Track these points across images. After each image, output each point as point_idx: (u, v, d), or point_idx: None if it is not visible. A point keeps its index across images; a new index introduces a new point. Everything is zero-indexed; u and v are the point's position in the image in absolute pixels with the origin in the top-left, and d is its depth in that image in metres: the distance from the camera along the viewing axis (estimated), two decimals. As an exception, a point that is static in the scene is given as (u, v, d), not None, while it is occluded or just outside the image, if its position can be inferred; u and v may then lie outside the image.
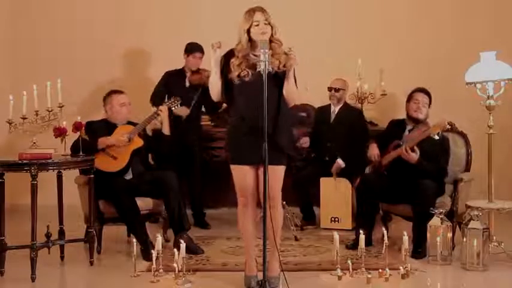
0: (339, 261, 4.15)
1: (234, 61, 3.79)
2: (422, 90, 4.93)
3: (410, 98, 4.94)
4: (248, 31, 3.75)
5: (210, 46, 3.81)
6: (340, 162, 5.57)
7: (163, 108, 5.05)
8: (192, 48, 5.70)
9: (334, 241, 4.15)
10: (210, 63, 3.89)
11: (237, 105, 3.83)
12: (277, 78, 3.75)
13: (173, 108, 5.16)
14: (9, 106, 4.35)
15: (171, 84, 5.71)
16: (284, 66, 3.74)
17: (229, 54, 3.84)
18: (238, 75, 3.76)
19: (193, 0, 6.59)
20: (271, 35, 3.75)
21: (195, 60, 5.69)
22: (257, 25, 3.73)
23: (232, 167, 3.85)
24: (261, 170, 3.73)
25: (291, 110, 3.92)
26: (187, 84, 5.71)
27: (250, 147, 3.67)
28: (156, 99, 5.65)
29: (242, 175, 3.82)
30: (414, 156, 4.65)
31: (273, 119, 3.71)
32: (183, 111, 5.56)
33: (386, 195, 4.84)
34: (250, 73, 3.74)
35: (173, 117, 5.39)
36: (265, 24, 3.73)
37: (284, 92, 3.77)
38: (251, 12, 3.76)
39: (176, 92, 5.42)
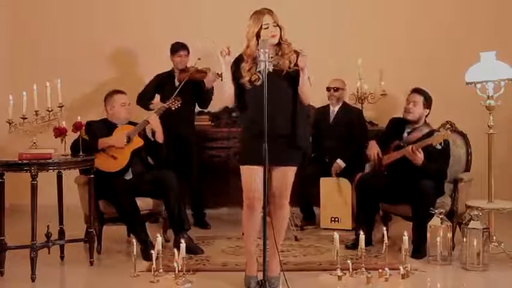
0: (339, 261, 4.15)
1: (244, 66, 3.78)
2: (415, 90, 4.89)
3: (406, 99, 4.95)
4: (257, 34, 3.74)
5: (219, 53, 3.77)
6: (340, 162, 5.58)
7: (153, 117, 5.03)
8: (176, 48, 5.72)
9: (334, 241, 4.15)
10: (222, 69, 3.87)
11: (250, 108, 3.82)
12: (290, 78, 3.76)
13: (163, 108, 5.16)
14: (9, 106, 4.35)
15: (162, 86, 5.74)
16: (295, 65, 3.74)
17: (239, 59, 3.83)
18: (250, 80, 3.76)
19: (193, 0, 6.59)
20: (280, 36, 3.75)
21: (180, 59, 5.70)
22: (266, 27, 3.72)
23: (242, 168, 3.84)
24: (273, 171, 3.76)
25: (305, 109, 3.93)
26: (176, 84, 5.71)
27: (261, 148, 3.62)
28: (143, 100, 5.72)
29: (251, 175, 3.79)
30: (421, 157, 4.63)
31: (289, 119, 3.74)
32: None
33: (386, 195, 4.84)
34: (260, 77, 3.72)
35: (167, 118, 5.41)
36: (274, 26, 3.73)
37: (299, 90, 3.77)
38: (259, 15, 3.74)
39: (168, 92, 5.45)
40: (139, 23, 6.52)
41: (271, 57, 3.74)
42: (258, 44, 3.75)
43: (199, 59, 5.57)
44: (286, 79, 3.75)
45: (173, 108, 5.19)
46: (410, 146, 4.68)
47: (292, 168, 3.85)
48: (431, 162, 4.66)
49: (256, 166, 3.75)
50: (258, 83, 3.73)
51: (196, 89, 5.67)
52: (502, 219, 4.92)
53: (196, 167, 5.80)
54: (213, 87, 5.65)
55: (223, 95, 3.91)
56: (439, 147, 4.64)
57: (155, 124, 5.03)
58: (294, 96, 3.79)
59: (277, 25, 3.74)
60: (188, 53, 5.73)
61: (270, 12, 3.75)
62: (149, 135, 5.18)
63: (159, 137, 5.04)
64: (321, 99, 5.89)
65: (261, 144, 3.57)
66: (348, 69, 6.07)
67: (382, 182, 4.85)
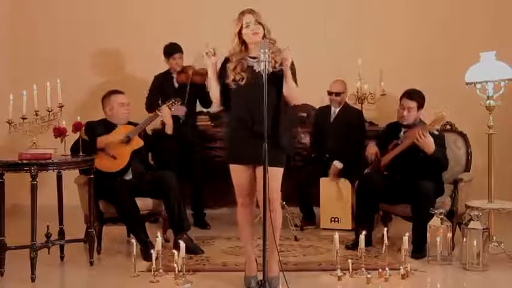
0: (338, 261, 4.16)
1: (229, 65, 3.80)
2: (408, 95, 4.87)
3: (399, 100, 4.94)
4: (239, 34, 3.76)
5: (204, 53, 3.80)
6: (337, 164, 5.57)
7: (164, 109, 5.05)
8: (170, 51, 5.69)
9: (334, 241, 4.16)
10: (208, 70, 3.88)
11: (234, 108, 3.82)
12: (275, 78, 3.75)
13: (172, 109, 5.16)
14: (9, 106, 4.35)
15: (161, 87, 5.74)
16: (280, 65, 3.74)
17: (227, 60, 3.85)
18: (234, 80, 3.77)
19: (194, 1, 6.60)
20: (264, 35, 3.75)
21: (175, 62, 5.70)
22: (247, 26, 3.73)
23: (230, 166, 3.86)
24: (258, 170, 3.74)
25: (291, 110, 3.90)
26: (176, 85, 5.73)
27: (246, 148, 3.68)
28: (152, 105, 5.63)
29: (238, 175, 3.83)
30: (431, 140, 4.57)
31: (272, 120, 3.71)
32: (180, 110, 5.53)
33: (386, 195, 4.84)
34: (244, 76, 3.73)
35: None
36: (256, 24, 3.73)
37: (284, 91, 3.76)
38: (240, 15, 3.78)
39: (167, 94, 5.47)
40: (139, 23, 6.51)
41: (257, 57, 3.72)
42: (240, 43, 3.78)
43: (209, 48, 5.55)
44: (271, 79, 3.72)
45: (172, 109, 5.19)
46: (416, 132, 4.59)
47: (277, 169, 3.78)
48: (436, 151, 4.62)
49: (241, 165, 3.78)
50: (242, 82, 3.74)
51: (197, 91, 5.68)
52: (502, 219, 4.92)
53: (199, 168, 5.80)
54: None
55: (211, 96, 3.91)
56: (436, 132, 4.63)
57: (167, 116, 5.03)
58: (278, 97, 3.77)
59: (260, 23, 3.74)
60: (182, 53, 5.72)
61: (251, 11, 3.78)
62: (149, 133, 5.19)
63: (169, 129, 5.03)
64: (320, 100, 5.89)
65: (247, 143, 3.64)
66: (348, 70, 6.06)
67: (382, 182, 4.84)
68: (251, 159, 3.70)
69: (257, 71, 3.71)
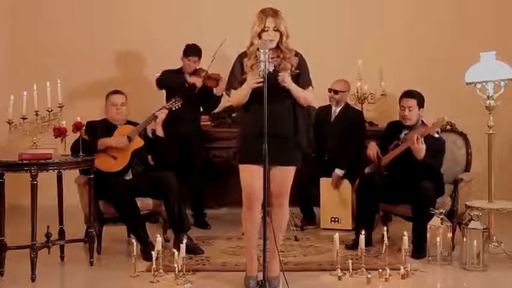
0: (339, 262, 4.16)
1: (247, 63, 3.79)
2: (408, 94, 4.90)
3: (399, 102, 4.95)
4: (259, 35, 3.75)
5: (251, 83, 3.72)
6: (338, 171, 5.56)
7: (160, 113, 5.03)
8: (187, 53, 5.67)
9: (334, 241, 4.16)
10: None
11: (251, 107, 3.82)
12: (292, 80, 3.76)
13: (173, 108, 5.14)
14: (9, 106, 4.35)
15: (171, 82, 5.69)
16: (296, 69, 3.77)
17: (243, 56, 3.84)
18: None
19: (194, 0, 6.60)
20: (280, 41, 3.75)
21: (189, 63, 5.68)
22: (266, 31, 3.73)
23: (241, 167, 3.84)
24: (272, 171, 3.76)
25: (305, 110, 3.90)
26: (186, 84, 5.72)
27: (260, 148, 3.61)
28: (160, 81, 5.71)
29: (250, 175, 3.78)
30: (423, 147, 4.60)
31: (289, 120, 3.77)
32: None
33: (386, 195, 4.84)
34: (260, 75, 3.72)
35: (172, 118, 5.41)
36: (274, 31, 3.72)
37: (297, 100, 3.79)
38: (263, 15, 3.74)
39: (175, 91, 5.46)
40: (139, 22, 6.52)
41: (272, 58, 3.74)
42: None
43: (213, 59, 5.54)
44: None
45: (173, 109, 5.19)
46: (415, 135, 4.61)
47: (292, 169, 3.85)
48: (428, 157, 4.64)
49: (255, 165, 3.76)
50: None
51: (205, 94, 5.68)
52: (502, 219, 4.92)
53: (198, 168, 5.80)
54: (222, 94, 5.64)
55: (237, 97, 3.85)
56: (436, 135, 4.64)
57: (159, 123, 5.04)
58: (294, 97, 3.79)
59: (278, 30, 3.73)
60: (199, 58, 5.69)
61: (274, 14, 3.73)
62: (149, 134, 5.18)
63: (158, 130, 5.03)
64: (321, 100, 5.88)
65: (260, 144, 3.57)
66: (348, 70, 6.06)
67: (382, 182, 4.85)
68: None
69: (259, 70, 3.69)
